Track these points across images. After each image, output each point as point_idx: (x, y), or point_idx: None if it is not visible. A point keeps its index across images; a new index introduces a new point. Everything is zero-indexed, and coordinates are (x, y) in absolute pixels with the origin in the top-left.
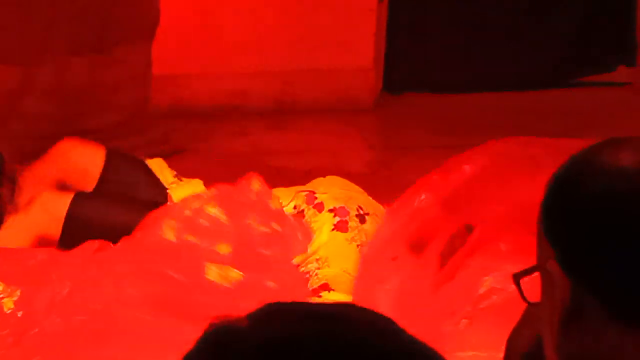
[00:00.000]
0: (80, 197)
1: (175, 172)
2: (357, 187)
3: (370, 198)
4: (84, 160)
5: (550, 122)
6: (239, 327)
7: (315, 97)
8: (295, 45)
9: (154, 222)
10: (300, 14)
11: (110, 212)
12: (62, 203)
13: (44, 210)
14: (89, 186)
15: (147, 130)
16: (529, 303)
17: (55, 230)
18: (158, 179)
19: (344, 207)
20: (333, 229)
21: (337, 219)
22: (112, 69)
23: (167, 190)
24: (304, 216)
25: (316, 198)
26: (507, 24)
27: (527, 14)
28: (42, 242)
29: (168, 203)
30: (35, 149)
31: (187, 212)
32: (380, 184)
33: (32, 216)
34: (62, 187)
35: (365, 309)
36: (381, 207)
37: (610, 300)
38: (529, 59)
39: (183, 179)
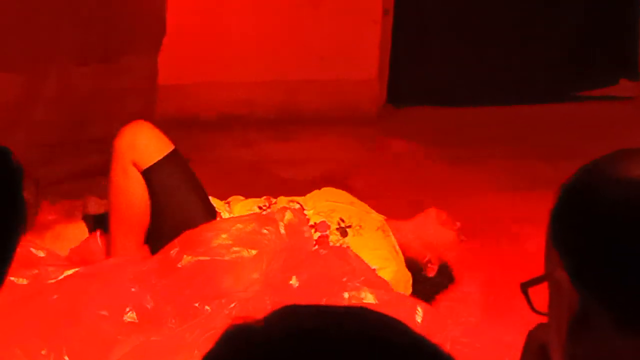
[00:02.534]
0: (176, 155)
1: None
2: (349, 197)
3: (363, 206)
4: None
5: (553, 135)
6: (258, 327)
7: (320, 107)
8: (300, 56)
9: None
10: (305, 25)
11: (185, 188)
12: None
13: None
14: None
15: None
16: (536, 312)
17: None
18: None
19: (324, 222)
20: (314, 245)
21: (318, 234)
22: (117, 79)
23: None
24: None
25: (305, 215)
26: (510, 38)
27: (530, 28)
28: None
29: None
30: (41, 157)
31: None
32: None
33: (125, 143)
34: None
35: (374, 310)
36: (374, 214)
37: (619, 309)
38: (531, 72)
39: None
